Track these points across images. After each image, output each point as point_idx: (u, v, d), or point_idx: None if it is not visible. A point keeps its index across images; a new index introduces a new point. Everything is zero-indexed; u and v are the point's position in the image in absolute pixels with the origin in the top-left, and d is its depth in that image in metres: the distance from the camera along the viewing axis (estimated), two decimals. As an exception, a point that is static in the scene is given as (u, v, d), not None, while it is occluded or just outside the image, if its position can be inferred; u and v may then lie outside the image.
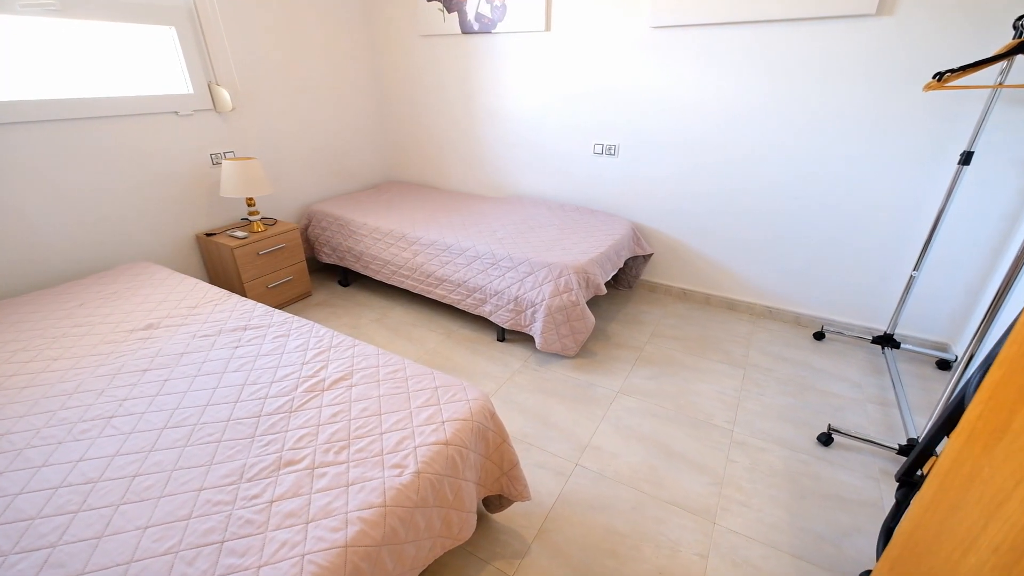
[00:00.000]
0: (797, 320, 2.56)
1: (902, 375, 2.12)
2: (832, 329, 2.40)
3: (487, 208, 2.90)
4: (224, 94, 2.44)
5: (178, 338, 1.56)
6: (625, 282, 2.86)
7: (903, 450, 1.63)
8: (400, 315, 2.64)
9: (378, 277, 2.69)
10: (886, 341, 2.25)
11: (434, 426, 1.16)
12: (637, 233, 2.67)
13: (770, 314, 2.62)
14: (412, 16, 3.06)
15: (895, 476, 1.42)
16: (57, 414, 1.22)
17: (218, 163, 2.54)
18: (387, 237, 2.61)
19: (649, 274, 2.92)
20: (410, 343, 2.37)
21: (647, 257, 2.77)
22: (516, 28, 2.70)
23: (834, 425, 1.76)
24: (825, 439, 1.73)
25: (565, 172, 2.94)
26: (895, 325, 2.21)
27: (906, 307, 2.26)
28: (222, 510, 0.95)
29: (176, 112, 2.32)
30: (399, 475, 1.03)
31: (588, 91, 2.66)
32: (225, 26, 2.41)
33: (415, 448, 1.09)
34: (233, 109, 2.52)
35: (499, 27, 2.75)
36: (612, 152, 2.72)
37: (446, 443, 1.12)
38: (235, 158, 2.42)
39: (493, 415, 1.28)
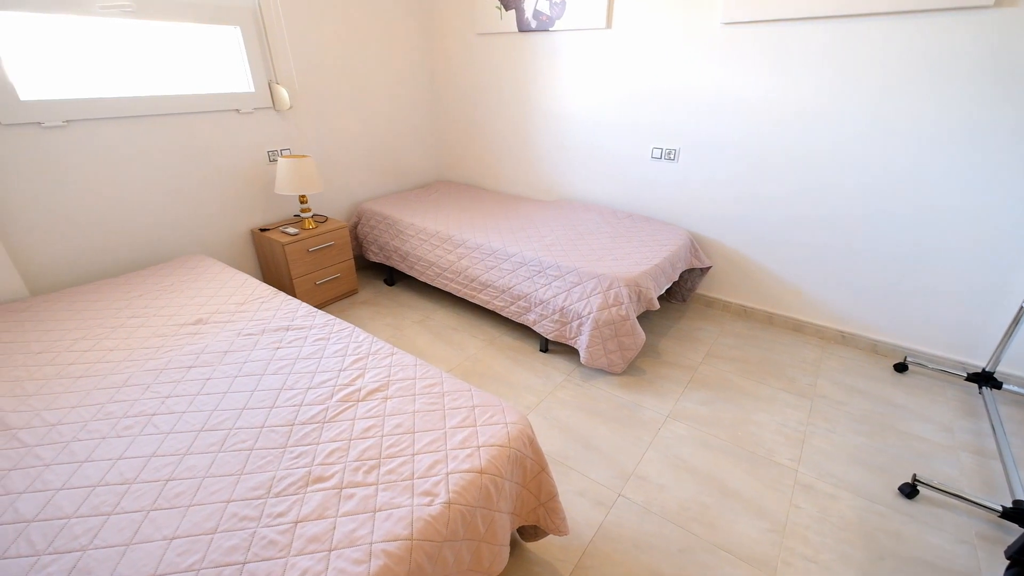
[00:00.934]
0: (874, 348, 2.29)
1: (1004, 421, 1.84)
2: (916, 361, 2.13)
3: (536, 212, 2.81)
4: (283, 92, 2.48)
5: (224, 335, 1.57)
6: (679, 295, 2.68)
7: (1008, 514, 1.39)
8: (443, 318, 2.60)
9: (422, 278, 2.66)
10: (984, 379, 1.96)
11: (469, 451, 1.08)
12: (695, 243, 2.49)
13: (843, 339, 2.37)
14: (469, 14, 3.01)
15: (1006, 553, 1.21)
16: (104, 407, 1.24)
17: (274, 160, 2.59)
18: (433, 238, 2.57)
19: (706, 288, 2.73)
20: (451, 348, 2.32)
21: (705, 270, 2.58)
22: (575, 26, 2.59)
23: (920, 475, 1.54)
24: (909, 490, 1.52)
25: (620, 177, 2.79)
26: (997, 362, 1.93)
27: (1013, 341, 1.96)
28: (247, 527, 0.92)
29: (237, 110, 2.38)
30: (429, 504, 0.96)
31: (649, 92, 2.51)
32: (287, 25, 2.45)
33: (447, 475, 1.02)
34: (291, 107, 2.57)
35: (557, 25, 2.65)
36: (672, 156, 2.55)
37: (480, 471, 1.04)
38: (290, 156, 2.45)
39: (532, 441, 1.19)
